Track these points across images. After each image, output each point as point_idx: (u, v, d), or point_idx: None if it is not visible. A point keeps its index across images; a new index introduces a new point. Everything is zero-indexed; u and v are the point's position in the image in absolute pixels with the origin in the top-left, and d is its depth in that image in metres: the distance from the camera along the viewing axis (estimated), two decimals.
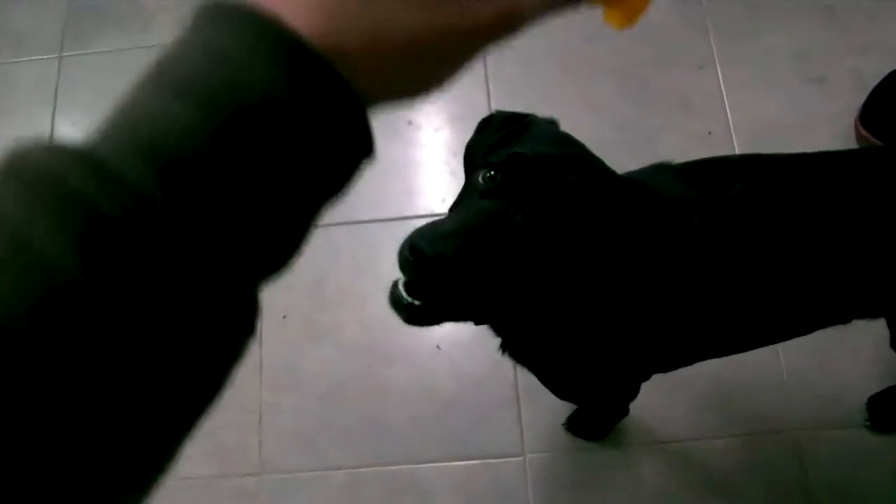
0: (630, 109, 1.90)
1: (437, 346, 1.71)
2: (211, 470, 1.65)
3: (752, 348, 1.20)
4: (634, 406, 1.50)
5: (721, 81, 1.92)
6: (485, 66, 1.96)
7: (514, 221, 0.80)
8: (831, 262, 1.03)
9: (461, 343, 1.70)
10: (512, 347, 1.09)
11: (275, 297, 1.75)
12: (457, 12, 0.37)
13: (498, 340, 1.07)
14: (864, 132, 1.77)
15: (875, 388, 1.57)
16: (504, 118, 1.00)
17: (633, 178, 1.04)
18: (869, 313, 1.17)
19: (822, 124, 1.84)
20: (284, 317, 1.76)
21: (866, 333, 1.15)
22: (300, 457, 1.64)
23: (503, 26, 0.40)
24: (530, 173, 0.83)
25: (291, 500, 1.62)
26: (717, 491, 1.56)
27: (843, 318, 1.15)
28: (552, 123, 0.97)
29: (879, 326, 1.26)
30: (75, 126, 2.01)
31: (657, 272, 0.98)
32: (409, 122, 1.93)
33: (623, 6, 0.43)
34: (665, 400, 1.58)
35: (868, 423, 1.56)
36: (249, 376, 1.71)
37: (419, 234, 0.80)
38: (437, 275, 0.78)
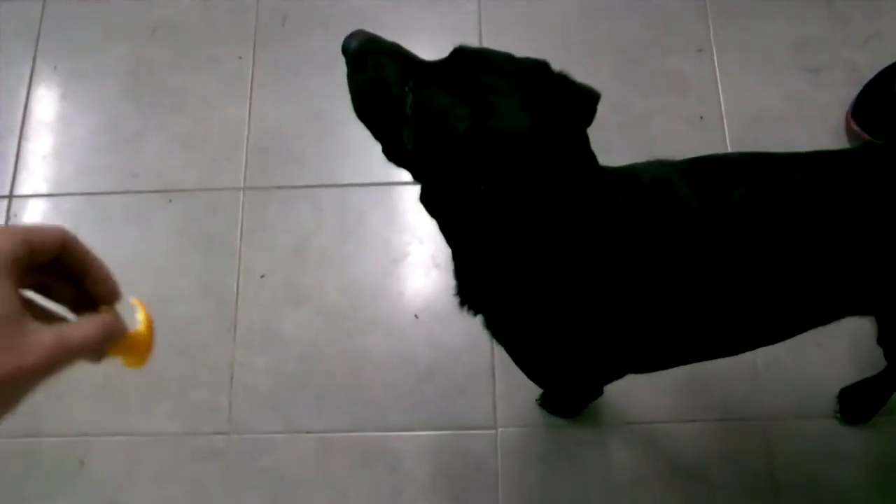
0: (625, 90, 1.88)
1: (416, 316, 1.69)
2: (180, 427, 1.63)
3: (739, 352, 1.19)
4: (609, 387, 1.50)
5: (716, 66, 1.90)
6: (480, 37, 1.93)
7: (385, 79, 0.97)
8: (829, 267, 1.02)
9: (439, 313, 1.69)
10: (476, 308, 1.07)
11: (254, 256, 1.74)
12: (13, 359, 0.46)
13: (460, 300, 1.07)
14: (854, 126, 1.77)
15: (847, 380, 1.58)
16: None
17: (626, 170, 1.03)
18: (860, 312, 1.17)
19: (813, 115, 1.83)
20: (263, 276, 1.74)
21: (840, 327, 1.15)
22: (271, 418, 1.63)
23: (49, 371, 0.48)
24: (452, 62, 0.92)
25: (260, 461, 1.61)
26: (686, 474, 1.57)
27: (836, 318, 1.15)
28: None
29: (853, 320, 1.25)
30: (56, 70, 1.97)
31: (640, 271, 0.97)
32: None
33: (134, 353, 0.58)
34: (640, 382, 1.56)
35: (839, 415, 1.58)
36: (222, 335, 1.70)
37: (367, 40, 0.98)
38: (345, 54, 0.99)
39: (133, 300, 0.60)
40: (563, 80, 0.95)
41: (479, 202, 0.85)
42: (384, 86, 0.95)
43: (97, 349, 0.52)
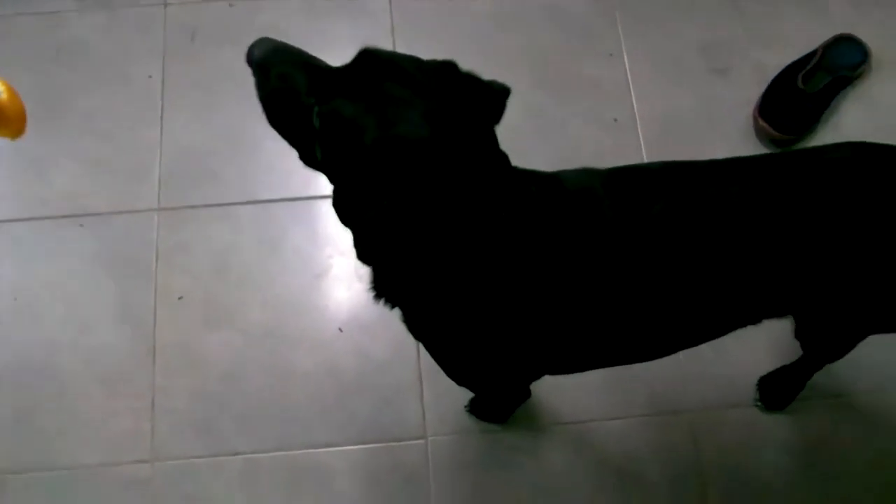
0: (540, 95, 1.90)
1: (340, 329, 1.67)
2: (101, 457, 1.57)
3: (659, 357, 1.21)
4: (537, 389, 1.51)
5: (628, 70, 1.94)
6: (394, 45, 1.93)
7: (294, 88, 0.94)
8: (744, 273, 1.04)
9: (364, 325, 1.67)
10: (394, 304, 1.06)
11: (171, 278, 1.70)
12: None
13: (397, 311, 1.07)
14: (762, 123, 1.82)
15: (765, 369, 1.62)
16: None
17: (550, 175, 1.03)
18: (777, 314, 1.19)
19: (724, 115, 1.88)
20: (180, 298, 1.69)
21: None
22: (195, 442, 1.59)
23: None
24: (359, 67, 0.91)
25: (186, 487, 1.56)
26: (617, 471, 1.58)
27: (753, 322, 1.18)
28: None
29: None
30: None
31: (551, 274, 0.98)
32: None
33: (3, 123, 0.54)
34: (567, 382, 1.57)
35: (759, 403, 1.61)
36: (141, 360, 1.64)
37: (274, 45, 0.97)
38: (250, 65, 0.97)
39: None
40: (470, 80, 0.95)
41: (383, 212, 0.85)
42: (291, 95, 0.93)
43: None
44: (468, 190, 0.87)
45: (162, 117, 1.87)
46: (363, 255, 0.92)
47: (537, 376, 1.29)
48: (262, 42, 0.97)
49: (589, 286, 1.00)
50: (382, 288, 1.04)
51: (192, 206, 1.78)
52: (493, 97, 0.95)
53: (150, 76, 1.91)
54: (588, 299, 1.01)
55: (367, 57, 0.92)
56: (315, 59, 0.97)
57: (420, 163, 0.85)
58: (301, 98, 0.93)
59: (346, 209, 0.92)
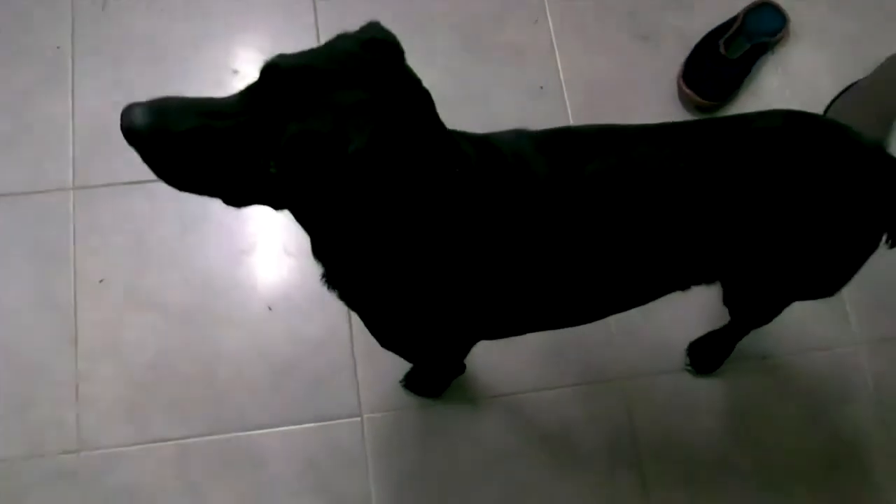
0: (465, 63, 1.88)
1: (269, 308, 1.64)
2: (22, 450, 1.52)
3: (590, 321, 1.22)
4: (471, 362, 1.51)
5: (553, 36, 1.92)
6: (315, 13, 1.88)
7: (217, 128, 0.83)
8: (675, 238, 1.06)
9: (294, 304, 1.64)
10: (332, 279, 1.05)
11: (91, 260, 1.63)
12: None
13: (321, 271, 1.05)
14: (686, 89, 1.83)
15: (694, 334, 1.65)
16: (375, 29, 0.96)
17: (482, 137, 1.02)
18: (706, 280, 1.22)
19: (648, 81, 1.89)
20: (101, 281, 1.63)
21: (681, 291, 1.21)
22: (123, 430, 1.54)
23: None
24: (277, 84, 0.83)
25: (115, 477, 1.51)
26: (552, 441, 1.60)
27: (683, 287, 1.20)
28: (376, 43, 0.91)
29: None
30: None
31: (488, 236, 0.97)
32: (235, 72, 1.83)
33: None
34: (500, 354, 1.60)
35: (689, 367, 1.65)
36: (63, 347, 1.58)
37: (148, 101, 0.84)
38: (133, 143, 0.83)
39: None
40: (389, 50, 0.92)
41: (360, 209, 0.85)
42: (217, 138, 0.84)
43: None
44: (432, 165, 0.87)
45: (73, 91, 1.78)
46: (334, 252, 0.91)
47: (474, 341, 1.29)
48: (134, 108, 0.83)
49: (520, 246, 1.00)
50: (335, 273, 1.03)
51: (109, 184, 1.70)
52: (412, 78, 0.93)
53: (58, 47, 1.81)
54: (520, 259, 1.01)
55: (273, 72, 0.85)
56: (206, 100, 0.87)
57: (403, 160, 0.84)
58: (229, 136, 0.84)
59: (313, 214, 0.90)
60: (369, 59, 0.88)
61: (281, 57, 0.86)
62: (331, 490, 1.53)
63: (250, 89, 0.86)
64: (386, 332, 1.20)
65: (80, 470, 1.51)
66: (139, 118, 0.82)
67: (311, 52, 0.89)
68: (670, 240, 1.06)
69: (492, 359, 1.58)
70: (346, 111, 0.82)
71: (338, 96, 0.83)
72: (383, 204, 0.85)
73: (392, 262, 0.97)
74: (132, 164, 1.73)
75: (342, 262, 1.01)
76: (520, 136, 1.08)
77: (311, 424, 1.57)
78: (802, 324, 1.67)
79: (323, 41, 1.81)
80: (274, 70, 0.84)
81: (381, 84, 0.85)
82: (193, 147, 0.83)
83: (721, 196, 1.04)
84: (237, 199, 0.89)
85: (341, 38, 0.92)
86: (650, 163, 1.04)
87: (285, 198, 0.89)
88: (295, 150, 0.81)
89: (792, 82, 1.91)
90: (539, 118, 1.84)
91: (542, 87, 1.87)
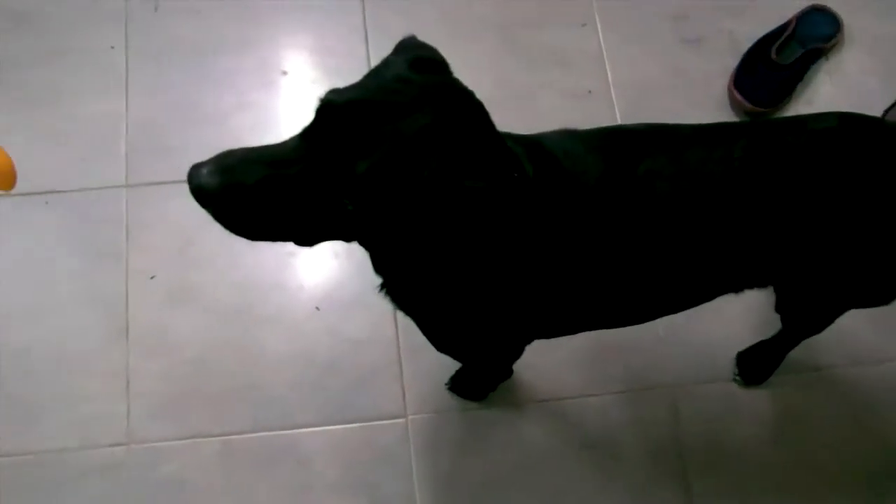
0: (511, 66, 1.88)
1: (317, 308, 1.65)
2: (73, 442, 1.54)
3: (644, 321, 1.22)
4: (516, 367, 1.50)
5: (601, 39, 1.91)
6: (363, 15, 1.89)
7: (286, 174, 0.83)
8: (730, 240, 1.05)
9: (340, 304, 1.65)
10: (391, 289, 1.06)
11: (142, 256, 1.66)
12: None
13: (378, 281, 1.05)
14: (737, 95, 1.81)
15: (743, 343, 1.63)
16: (414, 45, 0.95)
17: (533, 139, 1.02)
18: (759, 284, 1.20)
19: (698, 85, 1.87)
20: (152, 277, 1.66)
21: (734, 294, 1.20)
22: (170, 424, 1.56)
23: None
24: (336, 122, 0.83)
25: (162, 470, 1.54)
26: (595, 446, 1.59)
27: (736, 290, 1.19)
28: (421, 62, 0.91)
29: None
30: None
31: (542, 240, 0.98)
32: (284, 73, 1.84)
33: None
34: (546, 359, 1.59)
35: (738, 377, 1.63)
36: (114, 341, 1.61)
37: (212, 159, 0.84)
38: (206, 204, 0.83)
39: None
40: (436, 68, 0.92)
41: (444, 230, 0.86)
42: (287, 186, 0.84)
43: None
44: (496, 176, 0.87)
45: (126, 90, 1.81)
46: (398, 266, 0.95)
47: (529, 340, 1.28)
48: (199, 168, 0.83)
49: (577, 248, 1.00)
50: (396, 285, 1.04)
51: (161, 183, 1.73)
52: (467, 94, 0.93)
53: (112, 47, 1.84)
54: (577, 261, 1.01)
55: (330, 111, 0.85)
56: (266, 148, 0.87)
57: (472, 175, 0.84)
58: (298, 182, 0.84)
59: (393, 240, 0.91)
60: (419, 80, 0.88)
61: (334, 93, 0.86)
62: (374, 490, 1.54)
63: (308, 131, 0.86)
64: (444, 338, 1.21)
65: (128, 462, 1.54)
66: (208, 178, 0.82)
67: (362, 83, 0.89)
68: (725, 241, 1.05)
69: (536, 363, 1.58)
70: (410, 139, 0.82)
71: (398, 125, 0.83)
72: (455, 218, 0.85)
73: (455, 271, 0.97)
74: (183, 163, 1.76)
75: (405, 275, 1.02)
76: (569, 135, 1.08)
77: (356, 424, 1.58)
78: (855, 335, 1.64)
79: (370, 41, 1.86)
80: (329, 108, 0.84)
81: (437, 104, 0.85)
82: (265, 198, 0.83)
83: (776, 197, 1.03)
84: (311, 239, 0.89)
85: (388, 64, 0.92)
86: (704, 163, 1.03)
87: (361, 231, 0.89)
88: (369, 186, 0.81)
89: (845, 89, 1.88)
90: (586, 121, 1.81)
91: (590, 91, 1.86)
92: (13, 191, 1.67)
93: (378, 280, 1.05)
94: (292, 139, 0.86)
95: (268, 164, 0.83)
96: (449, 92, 0.89)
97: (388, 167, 0.81)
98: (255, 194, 0.83)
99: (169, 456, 1.55)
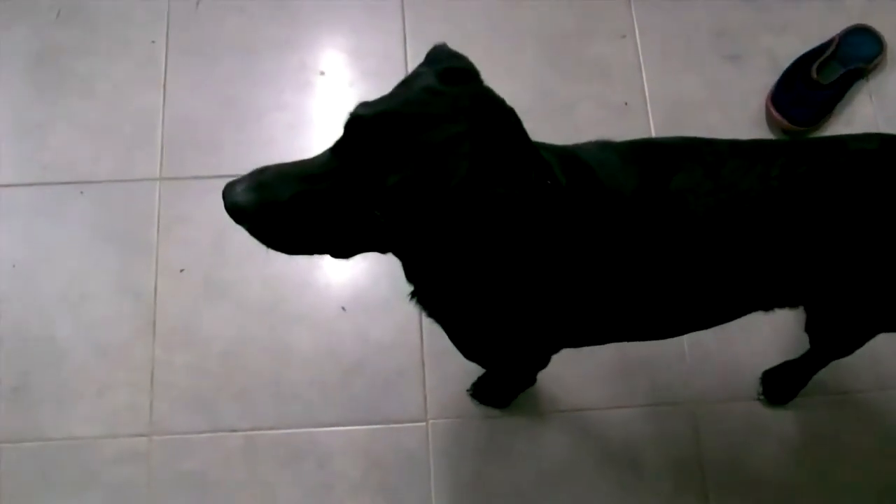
0: (550, 76, 1.87)
1: (343, 308, 1.66)
2: (98, 430, 1.56)
3: (674, 335, 1.21)
4: (539, 376, 1.50)
5: (640, 52, 1.91)
6: (403, 21, 1.89)
7: (318, 190, 0.84)
8: (762, 258, 1.04)
9: (367, 306, 1.65)
10: (422, 297, 1.06)
11: (172, 250, 1.68)
12: None
13: (408, 289, 1.06)
14: (774, 113, 1.80)
15: (769, 363, 1.61)
16: (448, 55, 0.95)
17: (568, 150, 1.02)
18: (791, 303, 1.20)
19: (735, 101, 1.86)
20: (182, 271, 1.67)
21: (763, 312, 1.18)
22: (194, 418, 1.58)
23: None
24: (366, 136, 0.83)
25: (184, 463, 1.55)
26: (616, 460, 1.58)
27: (766, 308, 1.18)
28: (451, 73, 0.91)
29: None
30: None
31: (574, 249, 0.97)
32: (322, 73, 1.85)
33: None
34: (569, 370, 1.59)
35: (762, 396, 1.61)
36: (141, 333, 1.63)
37: (246, 177, 0.85)
38: (241, 221, 0.85)
39: None
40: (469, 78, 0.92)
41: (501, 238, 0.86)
42: (321, 200, 0.85)
43: None
44: (528, 184, 0.86)
45: (164, 84, 1.83)
46: (430, 275, 0.95)
47: (558, 348, 1.28)
48: (234, 186, 0.84)
49: (609, 259, 1.00)
50: (428, 293, 1.05)
51: (194, 177, 1.75)
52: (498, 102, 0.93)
53: (153, 41, 1.87)
54: (609, 272, 1.01)
55: (360, 125, 0.85)
56: (299, 164, 0.87)
57: (502, 183, 0.84)
58: (331, 196, 0.84)
59: (426, 250, 0.91)
60: (448, 91, 0.88)
61: (363, 106, 0.86)
62: (392, 492, 1.54)
63: (338, 145, 0.86)
64: (474, 346, 1.21)
65: (151, 453, 1.55)
66: (242, 196, 0.84)
67: (391, 95, 0.89)
68: (758, 259, 1.04)
69: (558, 374, 1.57)
70: (439, 149, 0.82)
71: (426, 136, 0.83)
72: (485, 225, 0.85)
73: (487, 279, 0.97)
74: (217, 159, 1.79)
75: (437, 283, 1.02)
76: (604, 147, 1.08)
77: (377, 426, 1.58)
78: (882, 360, 1.62)
79: (409, 46, 1.87)
80: (359, 122, 0.84)
81: (468, 114, 0.85)
82: (299, 213, 0.84)
83: (813, 217, 1.02)
84: (346, 252, 0.90)
85: (417, 76, 0.92)
86: (741, 179, 1.03)
87: (394, 242, 0.89)
88: (399, 197, 0.82)
89: (886, 110, 1.85)
90: (622, 133, 1.80)
91: (626, 104, 1.85)
92: (49, 179, 1.72)
93: (409, 288, 1.05)
94: (323, 154, 0.87)
95: (300, 179, 0.84)
96: (480, 101, 0.88)
97: (418, 177, 0.81)
98: (289, 210, 0.84)
99: (191, 449, 1.56)
